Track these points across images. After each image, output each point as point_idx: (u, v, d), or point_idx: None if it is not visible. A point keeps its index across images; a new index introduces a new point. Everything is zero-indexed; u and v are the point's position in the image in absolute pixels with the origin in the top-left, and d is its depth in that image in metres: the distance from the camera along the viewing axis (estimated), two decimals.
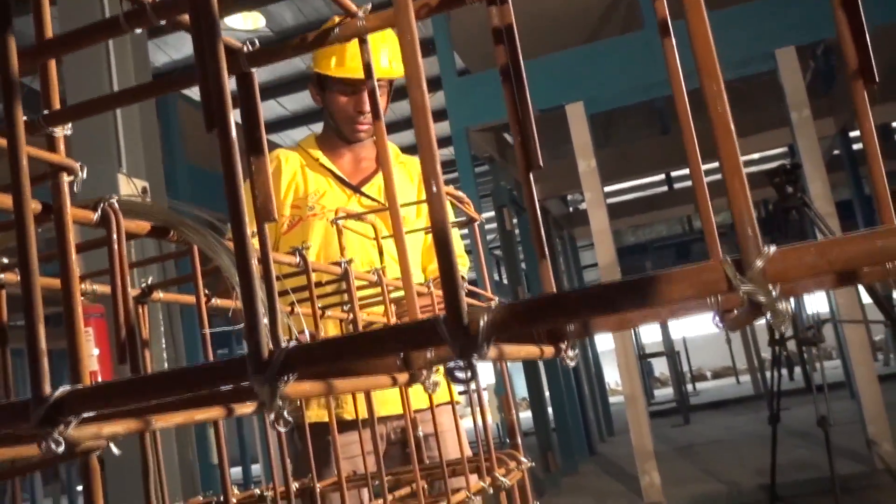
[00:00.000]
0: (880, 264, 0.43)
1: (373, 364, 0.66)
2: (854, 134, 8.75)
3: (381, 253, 1.71)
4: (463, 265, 2.35)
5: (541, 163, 0.61)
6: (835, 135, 8.36)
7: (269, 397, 0.37)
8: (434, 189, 0.36)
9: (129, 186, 4.54)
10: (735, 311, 0.50)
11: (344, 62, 2.26)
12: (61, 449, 0.39)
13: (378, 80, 2.30)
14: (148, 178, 4.81)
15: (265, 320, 0.42)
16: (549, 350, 0.53)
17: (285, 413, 0.48)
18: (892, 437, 5.16)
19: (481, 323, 0.34)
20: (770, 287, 0.32)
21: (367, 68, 0.67)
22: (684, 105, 0.51)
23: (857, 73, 0.56)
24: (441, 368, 0.87)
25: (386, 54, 2.31)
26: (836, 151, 9.04)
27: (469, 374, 0.36)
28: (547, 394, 7.88)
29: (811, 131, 5.46)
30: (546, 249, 0.61)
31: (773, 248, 0.32)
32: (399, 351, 0.41)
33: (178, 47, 8.79)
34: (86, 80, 4.56)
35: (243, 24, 8.07)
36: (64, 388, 0.40)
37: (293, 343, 0.37)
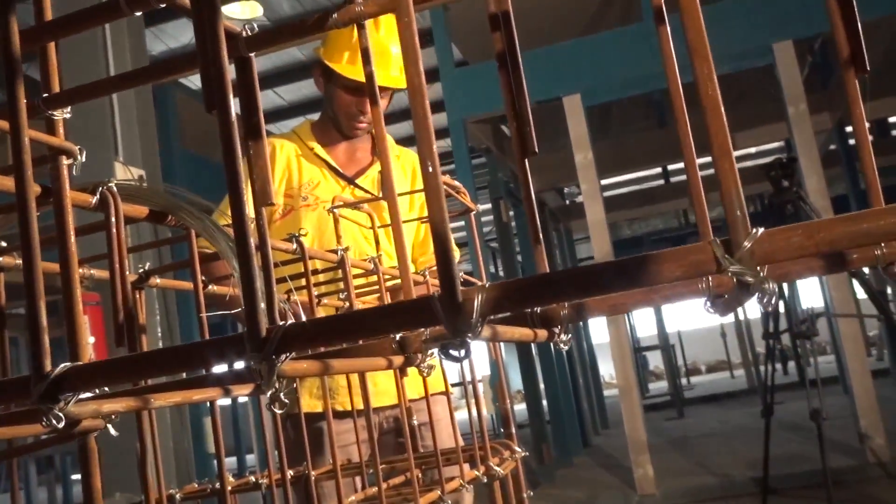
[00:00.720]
0: (866, 246, 0.44)
1: (368, 348, 0.67)
2: (850, 129, 8.75)
3: (377, 242, 1.71)
4: (456, 257, 2.35)
5: (536, 149, 0.61)
6: (831, 129, 8.36)
7: (268, 374, 0.37)
8: (430, 169, 0.36)
9: (125, 174, 4.54)
10: (726, 296, 0.51)
11: (356, 61, 2.24)
12: (62, 424, 0.40)
13: (383, 91, 2.29)
14: (144, 165, 4.81)
15: (263, 303, 0.43)
16: (542, 333, 0.54)
17: (282, 395, 0.48)
18: (884, 431, 5.19)
19: (476, 302, 0.35)
20: (758, 267, 0.33)
21: (370, 78, 0.67)
22: (677, 86, 0.52)
23: (848, 61, 0.56)
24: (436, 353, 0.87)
25: (397, 59, 2.29)
26: (832, 146, 9.05)
27: (463, 352, 0.36)
28: (542, 386, 7.90)
29: (807, 126, 5.47)
30: (540, 235, 0.61)
31: (760, 230, 0.33)
32: (395, 330, 0.41)
33: (175, 36, 8.77)
34: (82, 68, 4.55)
35: (240, 13, 8.06)
36: (64, 365, 0.41)
37: (290, 321, 0.37)
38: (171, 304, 4.66)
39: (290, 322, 0.37)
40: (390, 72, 2.26)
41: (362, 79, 2.23)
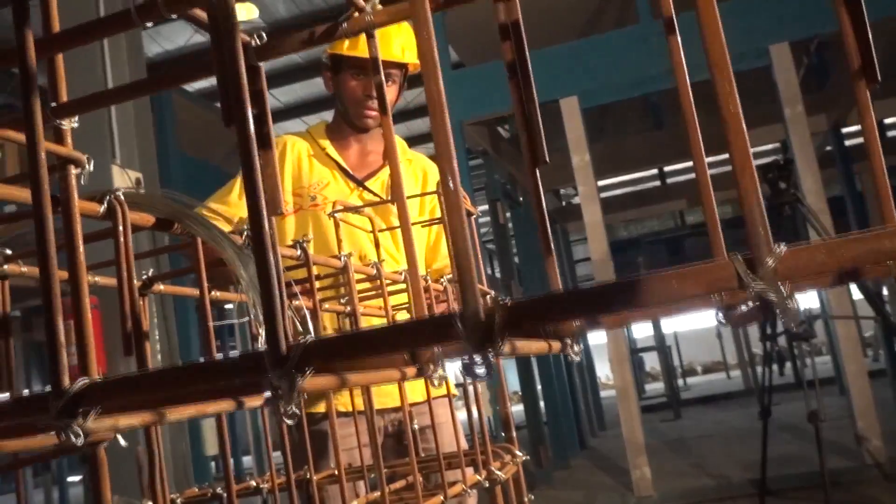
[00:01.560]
0: (885, 263, 0.44)
1: (380, 358, 0.67)
2: (846, 130, 8.78)
3: (377, 246, 1.71)
4: None
5: (547, 158, 0.61)
6: (827, 131, 8.38)
7: (288, 391, 0.37)
8: (451, 186, 0.36)
9: (122, 177, 4.53)
10: (739, 308, 0.51)
11: (357, 43, 2.25)
12: (80, 441, 0.40)
13: (389, 68, 2.29)
14: (141, 168, 4.80)
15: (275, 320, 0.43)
16: (556, 345, 0.54)
17: (294, 406, 0.48)
18: (881, 432, 5.20)
19: (497, 319, 0.35)
20: (781, 285, 0.33)
21: (375, 63, 0.68)
22: (691, 108, 0.52)
23: (859, 72, 0.56)
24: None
25: (399, 41, 2.30)
26: (828, 148, 9.07)
27: (484, 369, 0.36)
28: (539, 388, 7.91)
29: (804, 127, 5.48)
30: (552, 245, 0.62)
31: (783, 247, 0.33)
32: (415, 346, 0.41)
33: (171, 38, 8.76)
34: (78, 69, 4.54)
35: (237, 15, 8.05)
36: (83, 381, 0.41)
37: (310, 338, 0.37)
38: (169, 309, 4.65)
39: (310, 338, 0.37)
40: (392, 49, 2.26)
41: (364, 55, 2.23)
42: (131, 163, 4.66)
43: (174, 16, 0.57)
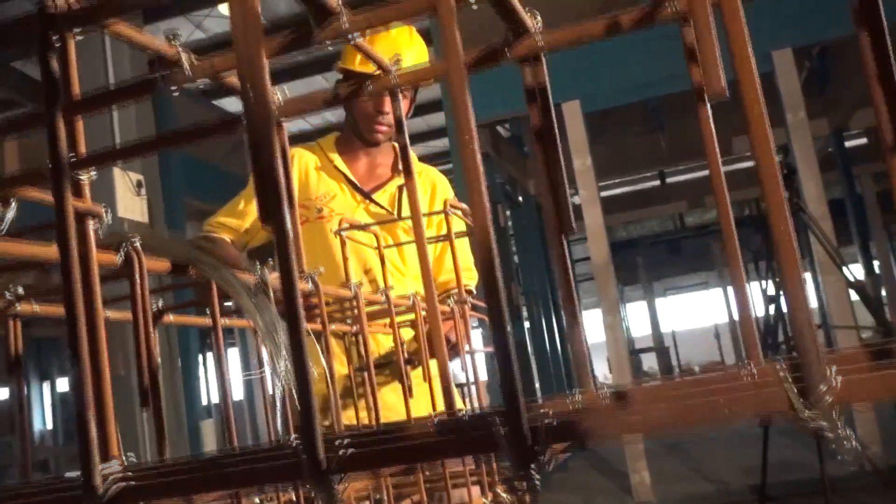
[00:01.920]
0: None
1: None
2: (847, 133, 8.79)
3: (382, 262, 1.71)
4: (471, 279, 2.34)
5: (573, 225, 0.61)
6: (829, 135, 8.39)
7: (327, 499, 0.37)
8: (496, 314, 0.36)
9: (124, 180, 4.52)
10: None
11: (369, 62, 2.24)
12: None
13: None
14: (143, 169, 4.80)
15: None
16: None
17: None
18: (880, 439, 5.20)
19: (541, 438, 0.35)
20: (835, 416, 0.32)
21: (399, 124, 0.67)
22: (721, 185, 0.51)
23: (891, 147, 0.56)
24: None
25: (410, 55, 2.29)
26: (829, 149, 9.08)
27: (528, 484, 0.36)
28: (537, 385, 7.91)
29: (806, 133, 5.49)
30: (577, 309, 0.61)
31: (838, 377, 0.32)
32: (455, 456, 0.41)
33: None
34: (79, 66, 4.52)
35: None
36: (116, 482, 0.40)
37: (349, 448, 0.37)
38: (173, 337, 4.65)
39: (349, 449, 0.37)
40: (404, 64, 2.24)
41: (375, 71, 2.21)
42: (133, 164, 4.65)
43: (202, 82, 0.56)
